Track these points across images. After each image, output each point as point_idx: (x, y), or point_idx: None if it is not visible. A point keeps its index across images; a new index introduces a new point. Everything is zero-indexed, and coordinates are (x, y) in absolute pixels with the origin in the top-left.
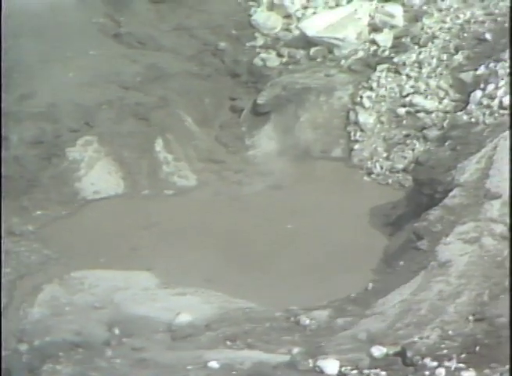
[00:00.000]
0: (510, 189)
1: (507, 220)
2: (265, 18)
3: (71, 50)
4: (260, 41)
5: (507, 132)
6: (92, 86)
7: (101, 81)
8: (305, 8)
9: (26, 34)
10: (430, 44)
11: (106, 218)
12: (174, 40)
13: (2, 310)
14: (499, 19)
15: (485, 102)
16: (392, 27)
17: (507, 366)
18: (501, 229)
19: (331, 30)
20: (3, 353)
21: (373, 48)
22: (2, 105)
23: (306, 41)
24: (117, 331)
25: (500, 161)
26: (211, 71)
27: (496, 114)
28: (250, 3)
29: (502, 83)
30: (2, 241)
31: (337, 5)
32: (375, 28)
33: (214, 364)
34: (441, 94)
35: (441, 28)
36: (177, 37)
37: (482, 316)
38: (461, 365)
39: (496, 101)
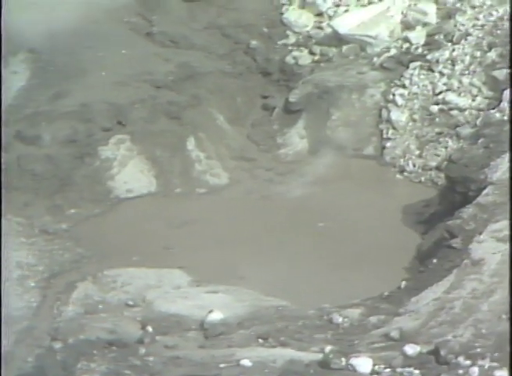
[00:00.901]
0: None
1: None
2: (297, 16)
3: (104, 49)
4: (292, 40)
5: None
6: (125, 85)
7: (133, 80)
8: (337, 6)
9: (59, 33)
10: (463, 41)
11: (138, 217)
12: (206, 38)
13: (36, 309)
14: None
15: None
16: (425, 24)
17: None
18: None
19: (363, 28)
20: (38, 351)
21: (406, 45)
22: (35, 104)
23: (338, 39)
24: (150, 329)
25: None
26: (243, 70)
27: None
28: (282, 1)
29: None
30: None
31: (370, 3)
32: (408, 26)
33: (246, 362)
34: (474, 91)
35: (474, 25)
36: (209, 36)
37: None
38: (494, 364)
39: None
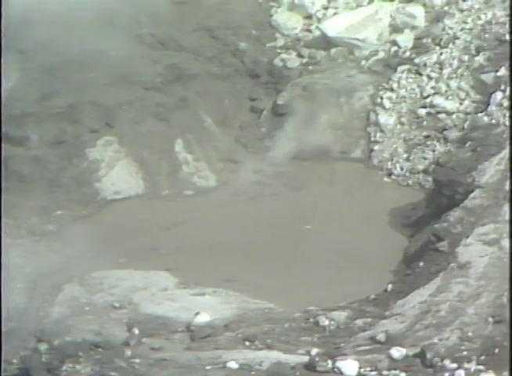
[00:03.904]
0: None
1: None
2: (286, 18)
3: (92, 51)
4: (280, 42)
5: None
6: (113, 86)
7: (121, 82)
8: (326, 8)
9: (48, 35)
10: (451, 45)
11: (126, 219)
12: (194, 41)
13: (23, 310)
14: None
15: (506, 103)
16: (413, 27)
17: None
18: None
19: (352, 31)
20: (23, 352)
21: (394, 48)
22: (22, 105)
23: (327, 42)
24: (136, 331)
25: None
26: (231, 72)
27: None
28: (271, 3)
29: None
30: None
31: (358, 6)
32: (396, 29)
33: (232, 364)
34: (462, 95)
35: (462, 29)
36: (198, 38)
37: (502, 318)
38: (480, 367)
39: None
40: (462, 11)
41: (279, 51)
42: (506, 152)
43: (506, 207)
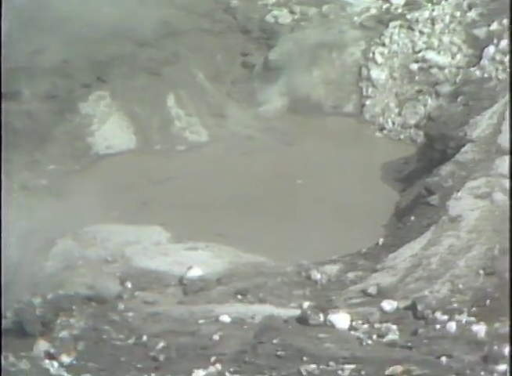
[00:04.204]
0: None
1: None
2: None
3: (85, 6)
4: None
5: None
6: (105, 42)
7: (114, 37)
8: None
9: None
10: (443, 1)
11: (118, 173)
12: None
13: (16, 264)
14: None
15: (498, 57)
16: None
17: None
18: None
19: None
20: (17, 306)
21: (386, 5)
22: (15, 60)
23: None
24: (129, 285)
25: None
26: (223, 28)
27: (509, 70)
28: None
29: None
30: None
31: None
32: None
33: (225, 318)
34: (454, 49)
35: None
36: None
37: (492, 270)
38: (471, 318)
39: (509, 56)
40: None
41: (270, 8)
42: (498, 106)
43: (498, 161)
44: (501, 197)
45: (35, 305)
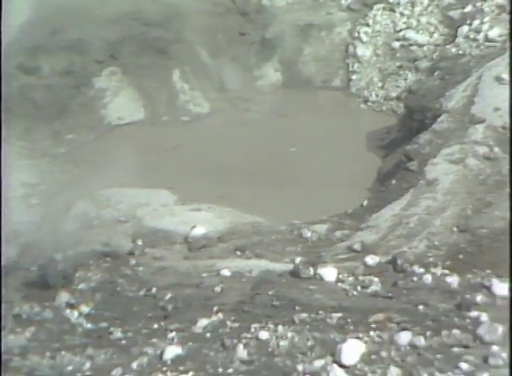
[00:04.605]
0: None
1: (490, 142)
2: None
3: None
4: None
5: (492, 62)
6: (116, 23)
7: (124, 19)
8: None
9: None
10: None
11: (129, 142)
12: None
13: (39, 224)
14: None
15: (472, 35)
16: None
17: (488, 271)
18: (484, 150)
19: None
20: (40, 261)
21: None
22: (35, 39)
23: None
24: (139, 243)
25: (484, 89)
26: (223, 10)
27: (482, 47)
28: None
29: (487, 19)
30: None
31: None
32: None
33: (225, 272)
34: (432, 29)
35: None
36: None
37: (465, 228)
38: (446, 271)
39: (482, 35)
40: None
41: None
42: (471, 79)
43: (471, 130)
44: (473, 162)
45: (57, 261)
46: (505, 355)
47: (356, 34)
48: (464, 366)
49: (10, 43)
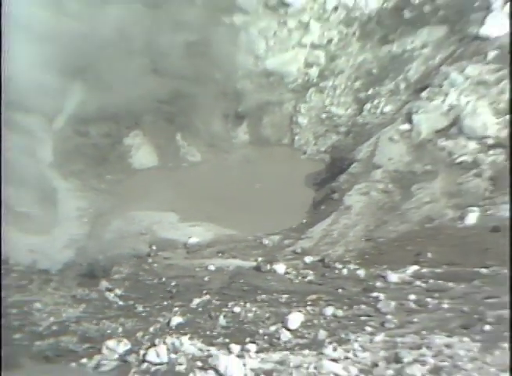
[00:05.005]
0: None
1: (386, 180)
2: (242, 58)
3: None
4: (240, 73)
5: (386, 128)
6: (139, 101)
7: (144, 98)
8: (266, 51)
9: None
10: (340, 75)
11: (148, 180)
12: (189, 68)
13: (88, 235)
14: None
15: (373, 110)
16: (318, 64)
17: (384, 266)
18: (382, 186)
19: (282, 66)
20: (89, 260)
21: (307, 77)
22: (87, 110)
23: (268, 72)
24: (154, 248)
25: (381, 146)
26: (213, 93)
27: (379, 117)
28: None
29: (382, 99)
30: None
31: (286, 50)
32: (308, 65)
33: (212, 267)
34: (347, 105)
35: (347, 65)
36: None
37: (370, 238)
38: (356, 266)
39: (379, 109)
40: (346, 54)
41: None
42: (373, 139)
43: (373, 173)
44: (375, 194)
45: (100, 260)
46: (397, 321)
47: (298, 109)
48: (368, 328)
49: (70, 115)
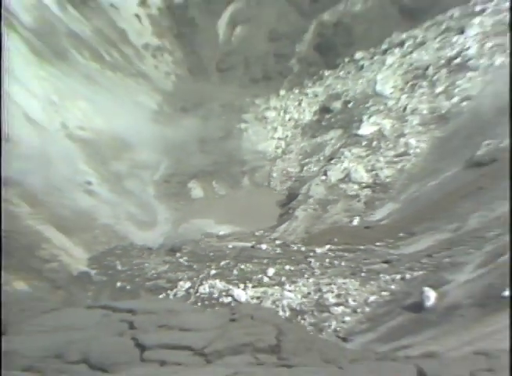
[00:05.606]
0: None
1: (315, 204)
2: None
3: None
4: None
5: (314, 179)
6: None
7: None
8: (258, 140)
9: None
10: (291, 153)
11: (199, 205)
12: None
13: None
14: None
15: (309, 170)
16: (281, 147)
17: (314, 245)
18: (313, 206)
19: (265, 148)
20: (171, 243)
21: (275, 154)
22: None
23: (257, 151)
24: (202, 236)
25: (312, 186)
26: (223, 161)
27: (312, 174)
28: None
29: (313, 165)
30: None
31: (266, 140)
32: (276, 147)
33: (230, 246)
34: (296, 168)
35: (295, 148)
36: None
37: (307, 232)
38: (300, 245)
39: (311, 170)
40: (296, 142)
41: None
42: (308, 184)
43: (309, 200)
44: (310, 211)
45: (176, 243)
46: (319, 272)
47: (272, 169)
48: (305, 275)
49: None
